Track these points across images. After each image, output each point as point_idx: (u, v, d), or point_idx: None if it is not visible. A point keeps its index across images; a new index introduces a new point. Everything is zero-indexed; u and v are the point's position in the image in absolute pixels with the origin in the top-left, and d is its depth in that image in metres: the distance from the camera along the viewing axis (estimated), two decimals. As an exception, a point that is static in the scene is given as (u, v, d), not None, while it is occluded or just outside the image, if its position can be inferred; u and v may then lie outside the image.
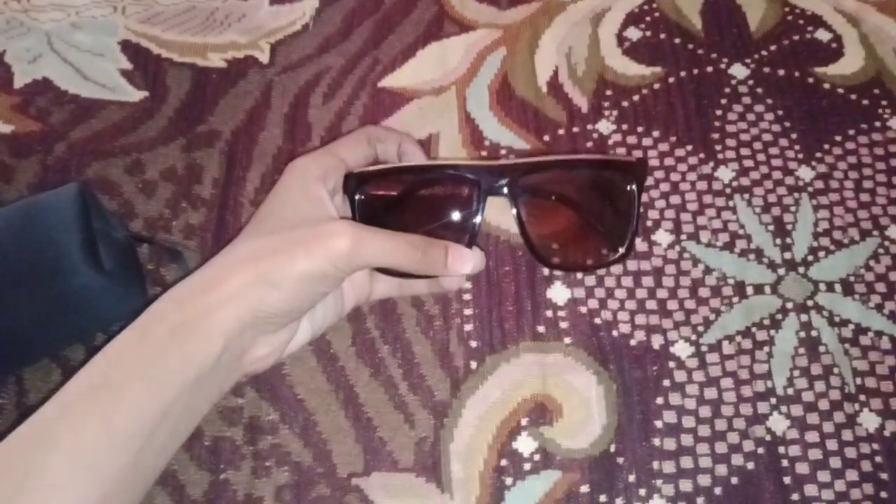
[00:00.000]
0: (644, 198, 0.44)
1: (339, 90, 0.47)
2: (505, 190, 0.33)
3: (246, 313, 0.29)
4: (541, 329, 0.41)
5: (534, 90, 0.48)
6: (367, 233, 0.30)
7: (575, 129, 0.47)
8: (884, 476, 0.36)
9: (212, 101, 0.46)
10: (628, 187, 0.34)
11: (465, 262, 0.33)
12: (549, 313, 0.41)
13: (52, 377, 0.38)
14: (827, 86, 0.48)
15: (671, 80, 0.49)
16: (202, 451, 0.37)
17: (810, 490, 0.36)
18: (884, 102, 0.48)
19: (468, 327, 0.40)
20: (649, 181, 0.45)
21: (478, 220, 0.33)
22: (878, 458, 0.37)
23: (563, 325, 0.41)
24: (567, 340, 0.40)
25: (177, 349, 0.28)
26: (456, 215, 0.34)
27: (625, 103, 0.48)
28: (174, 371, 0.28)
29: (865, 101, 0.48)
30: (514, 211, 0.33)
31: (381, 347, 0.40)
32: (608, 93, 0.48)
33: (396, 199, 0.35)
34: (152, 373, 0.28)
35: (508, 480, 0.37)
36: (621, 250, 0.35)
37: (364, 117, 0.46)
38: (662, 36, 0.50)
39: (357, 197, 0.33)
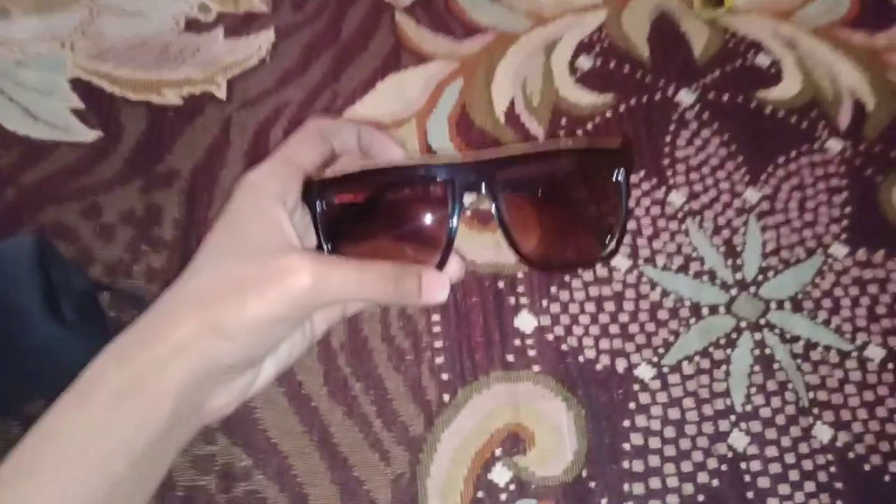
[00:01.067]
0: (603, 224, 0.46)
1: (300, 124, 0.47)
2: (482, 187, 0.29)
3: (198, 366, 0.25)
4: (510, 358, 0.41)
5: (492, 120, 0.49)
6: (330, 267, 0.26)
7: (534, 158, 0.48)
8: (838, 485, 0.38)
9: (169, 139, 0.45)
10: (616, 176, 0.30)
11: (440, 289, 0.29)
12: (518, 342, 0.42)
13: (11, 433, 0.37)
14: (769, 109, 0.51)
15: (622, 107, 0.50)
16: (175, 502, 0.36)
17: (772, 503, 0.38)
18: (821, 124, 0.50)
19: (439, 360, 0.41)
20: (607, 207, 0.46)
21: (454, 222, 0.29)
22: (832, 469, 0.39)
23: (532, 353, 0.42)
24: (536, 368, 0.41)
25: (122, 416, 0.24)
26: (430, 219, 0.30)
27: (579, 131, 0.49)
28: (122, 441, 0.24)
29: (805, 124, 0.50)
30: (493, 209, 0.29)
31: (354, 385, 0.40)
32: (563, 121, 0.49)
33: (363, 206, 0.31)
34: (95, 449, 0.24)
35: (485, 512, 0.37)
36: (612, 245, 0.31)
37: (325, 152, 0.46)
38: (612, 64, 0.52)
39: (319, 208, 0.29)
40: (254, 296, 0.25)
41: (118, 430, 0.24)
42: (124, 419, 0.24)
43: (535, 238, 0.31)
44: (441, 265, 0.29)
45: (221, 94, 0.48)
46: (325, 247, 0.29)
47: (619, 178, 0.30)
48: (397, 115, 0.48)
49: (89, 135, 0.45)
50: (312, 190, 0.29)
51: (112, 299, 0.40)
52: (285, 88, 0.48)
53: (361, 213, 0.31)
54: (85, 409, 0.24)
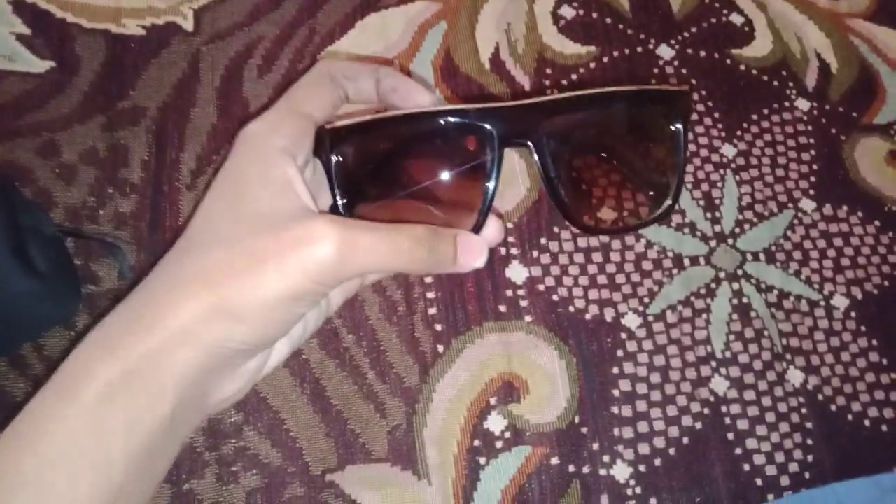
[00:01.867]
0: (588, 175, 0.46)
1: (276, 62, 0.44)
2: (527, 138, 0.25)
3: (204, 355, 0.22)
4: (502, 309, 0.41)
5: (477, 67, 0.48)
6: (358, 232, 0.23)
7: (520, 107, 0.47)
8: (809, 425, 0.41)
9: (132, 73, 0.41)
10: (673, 126, 0.28)
11: (477, 254, 0.26)
12: (510, 293, 0.42)
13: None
14: (742, 67, 0.52)
15: (605, 59, 0.50)
16: (161, 460, 0.34)
17: (751, 444, 0.40)
18: (790, 84, 0.52)
19: (432, 311, 0.40)
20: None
21: (493, 179, 0.25)
22: (803, 410, 0.41)
23: (524, 303, 0.41)
24: (528, 318, 0.41)
25: (115, 416, 0.21)
26: (465, 175, 0.26)
27: (564, 82, 0.48)
28: (115, 448, 0.21)
29: (775, 83, 0.52)
30: (538, 165, 0.26)
31: (346, 337, 0.38)
32: (548, 71, 0.49)
33: (385, 160, 0.27)
34: (83, 457, 0.20)
35: (482, 460, 0.37)
36: (668, 202, 0.29)
37: (305, 93, 0.44)
38: (594, 15, 0.51)
39: (334, 161, 0.25)
40: (273, 269, 0.22)
41: (111, 434, 0.21)
42: (117, 420, 0.21)
43: (584, 198, 0.28)
44: (478, 228, 0.26)
45: (188, 25, 0.44)
46: (340, 207, 0.25)
47: (678, 127, 0.27)
48: (379, 56, 0.46)
49: (40, 65, 0.40)
50: (325, 140, 0.25)
51: (78, 246, 0.37)
52: (258, 23, 0.45)
53: (383, 167, 0.27)
54: (70, 409, 0.21)
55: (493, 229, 0.27)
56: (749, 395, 0.41)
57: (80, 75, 0.41)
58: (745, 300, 0.44)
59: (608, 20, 0.51)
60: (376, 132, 0.26)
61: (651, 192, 0.29)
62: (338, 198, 0.25)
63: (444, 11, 0.49)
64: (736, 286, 0.44)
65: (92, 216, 0.38)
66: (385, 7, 0.48)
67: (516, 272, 0.42)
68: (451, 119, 0.25)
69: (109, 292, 0.36)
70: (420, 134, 0.26)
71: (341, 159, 0.25)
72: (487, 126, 0.25)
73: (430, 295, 0.40)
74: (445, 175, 0.26)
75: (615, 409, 0.40)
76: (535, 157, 0.26)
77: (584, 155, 0.29)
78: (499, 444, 0.38)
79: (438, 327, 0.40)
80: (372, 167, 0.27)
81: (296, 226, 0.23)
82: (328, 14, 0.47)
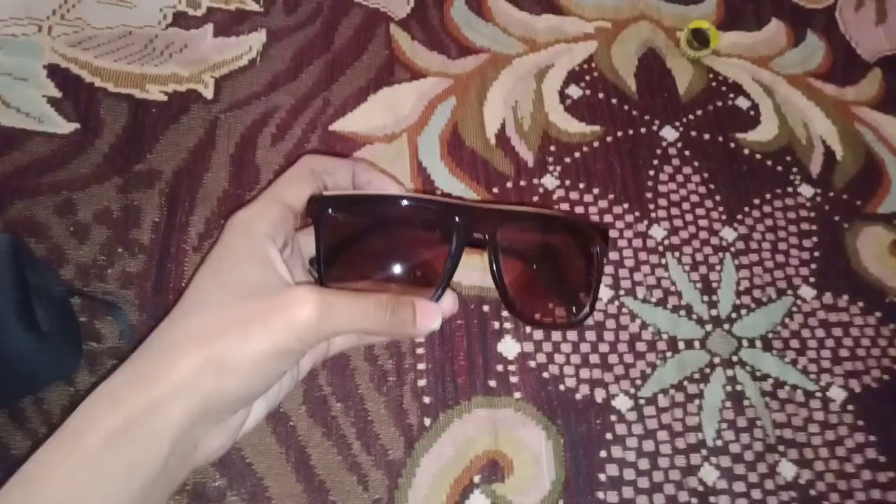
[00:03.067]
0: (587, 253, 0.46)
1: (289, 131, 0.46)
2: (483, 235, 0.30)
3: (196, 406, 0.24)
4: (492, 384, 0.41)
5: (483, 142, 0.49)
6: (332, 297, 0.26)
7: (522, 183, 0.48)
8: (799, 522, 0.40)
9: (151, 137, 0.44)
10: (594, 250, 0.34)
11: (433, 318, 0.30)
12: (500, 367, 0.42)
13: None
14: (746, 151, 0.53)
15: (609, 139, 0.51)
16: (143, 521, 0.34)
17: (738, 538, 0.39)
18: (794, 170, 0.52)
19: (422, 382, 0.41)
20: (591, 237, 0.47)
21: (454, 261, 0.29)
22: (794, 506, 0.40)
23: (514, 379, 0.42)
24: (517, 395, 0.41)
25: (116, 460, 0.23)
26: (430, 253, 0.30)
27: (567, 159, 0.50)
28: (116, 488, 0.23)
29: (779, 168, 0.52)
30: (491, 261, 0.31)
31: (334, 405, 0.39)
32: (552, 148, 0.50)
33: (364, 232, 0.32)
34: (85, 497, 0.23)
35: (462, 539, 0.37)
36: (586, 310, 0.35)
37: (314, 162, 0.45)
38: (601, 95, 0.53)
39: (322, 223, 0.29)
40: (259, 329, 0.25)
41: (111, 476, 0.23)
42: (118, 463, 0.23)
43: (522, 293, 0.33)
44: (437, 299, 0.30)
45: (208, 93, 0.46)
46: (321, 260, 0.29)
47: (598, 252, 0.33)
48: (388, 130, 0.48)
49: (66, 126, 0.43)
50: (317, 206, 0.30)
51: (84, 303, 0.38)
52: (275, 93, 0.47)
53: (361, 236, 0.32)
54: (75, 452, 0.23)
55: (448, 301, 0.31)
56: (739, 486, 0.41)
57: (101, 137, 0.43)
58: (739, 387, 0.44)
59: (614, 100, 0.53)
60: (363, 205, 0.31)
61: (577, 299, 0.35)
62: (320, 255, 0.29)
63: (454, 87, 0.51)
64: (730, 372, 0.44)
65: (100, 274, 0.39)
66: (398, 82, 0.50)
67: (508, 347, 0.42)
68: (427, 207, 0.29)
69: (110, 350, 0.38)
70: (398, 213, 0.30)
71: (328, 224, 0.29)
72: (456, 218, 0.29)
73: (421, 366, 0.41)
74: (414, 251, 0.31)
75: (601, 495, 0.39)
76: (489, 251, 0.30)
77: (527, 259, 0.34)
78: (480, 524, 0.38)
79: (427, 399, 0.40)
80: (352, 233, 0.31)
81: (280, 293, 0.26)
82: (343, 87, 0.49)
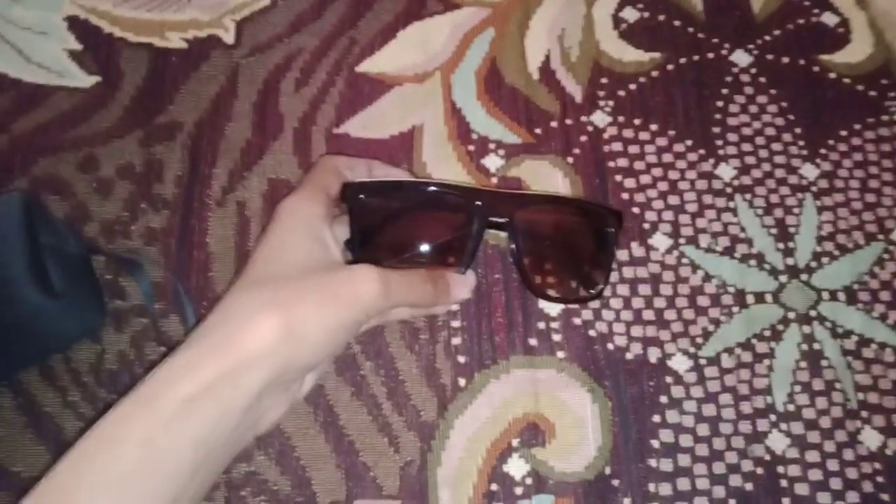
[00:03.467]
0: (641, 197, 0.42)
1: (313, 75, 0.43)
2: (503, 220, 0.33)
3: (272, 374, 0.25)
4: (532, 342, 0.38)
5: (524, 77, 0.45)
6: (392, 274, 0.29)
7: (568, 122, 0.43)
8: (885, 497, 0.35)
9: (172, 87, 0.42)
10: (608, 231, 0.36)
11: (465, 287, 0.34)
12: (542, 325, 0.39)
13: (2, 402, 0.35)
14: (833, 75, 0.46)
15: (670, 67, 0.45)
16: (170, 481, 0.34)
17: (810, 513, 0.35)
18: (892, 94, 0.45)
19: (456, 341, 0.38)
20: (647, 180, 0.42)
21: (474, 246, 0.33)
22: (879, 479, 0.36)
23: (556, 337, 0.38)
24: (560, 355, 0.38)
25: (191, 426, 0.24)
26: (454, 238, 0.33)
27: (621, 92, 0.45)
28: (186, 453, 0.24)
29: (873, 93, 0.45)
30: (512, 244, 0.34)
31: (364, 364, 0.37)
32: (603, 81, 0.45)
33: (394, 215, 0.34)
34: (157, 459, 0.23)
35: (499, 506, 0.35)
36: (600, 286, 0.36)
37: (341, 107, 0.43)
38: (661, 18, 0.47)
39: (356, 207, 0.32)
40: (332, 299, 0.27)
41: (183, 443, 0.24)
42: (192, 429, 0.24)
43: (539, 271, 0.35)
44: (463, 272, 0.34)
45: (230, 38, 0.43)
46: (356, 246, 0.32)
47: (611, 234, 0.36)
48: (420, 68, 0.44)
49: (87, 80, 0.41)
50: (352, 191, 0.33)
51: (108, 261, 0.37)
52: (298, 34, 0.44)
53: (391, 220, 0.34)
54: (150, 417, 0.23)
55: (471, 278, 0.35)
56: (812, 455, 0.36)
57: (122, 90, 0.41)
58: (816, 346, 0.39)
59: (676, 23, 0.47)
60: (394, 192, 0.34)
61: (592, 277, 0.37)
62: (354, 235, 0.32)
63: (492, 18, 0.46)
64: (807, 329, 0.39)
65: (124, 231, 0.38)
66: (429, 15, 0.46)
67: (551, 303, 0.39)
68: (451, 193, 0.33)
69: (136, 308, 0.37)
70: (425, 198, 0.34)
71: (361, 207, 0.32)
72: (477, 203, 0.32)
73: (455, 324, 0.38)
74: (439, 233, 0.34)
75: (653, 463, 0.36)
76: (509, 234, 0.33)
77: (545, 240, 0.36)
78: (518, 491, 0.35)
79: (461, 359, 0.37)
80: (383, 217, 0.34)
81: (344, 270, 0.29)
82: (369, 23, 0.45)
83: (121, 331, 0.36)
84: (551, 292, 0.36)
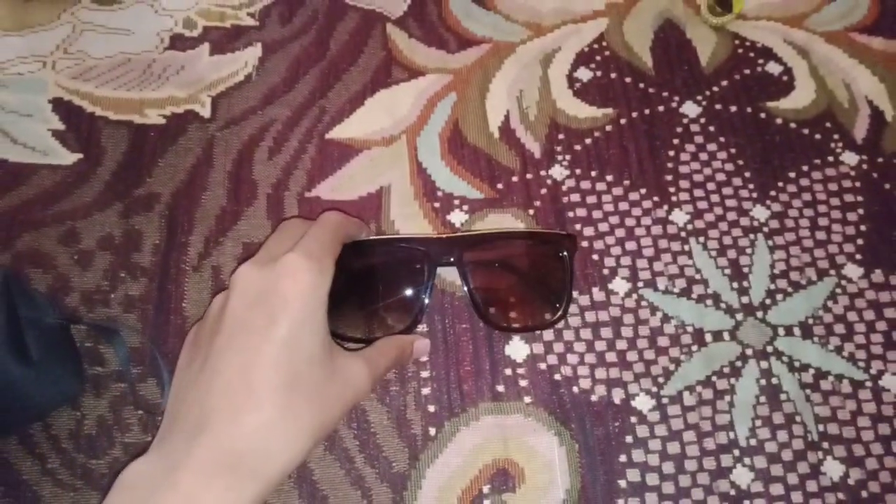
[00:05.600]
0: (600, 244, 0.44)
1: (286, 144, 0.46)
2: (452, 260, 0.37)
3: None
4: (500, 388, 0.39)
5: (486, 137, 0.47)
6: (378, 359, 0.32)
7: (529, 176, 0.46)
8: (849, 528, 0.36)
9: (150, 161, 0.44)
10: (562, 255, 0.39)
11: (425, 349, 0.39)
12: (509, 371, 0.40)
13: (-17, 469, 0.36)
14: (779, 121, 0.48)
15: (623, 121, 0.48)
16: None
17: (777, 547, 0.36)
18: (835, 136, 0.48)
19: (425, 391, 0.39)
20: (605, 227, 0.44)
21: (427, 289, 0.36)
22: (842, 510, 0.36)
23: (523, 383, 0.40)
24: (527, 400, 0.39)
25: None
26: (409, 287, 0.37)
27: (577, 147, 0.47)
28: None
29: (818, 136, 0.48)
30: (462, 281, 0.37)
31: (335, 418, 0.38)
32: (560, 136, 0.47)
33: (356, 275, 0.37)
34: None
35: (471, 554, 0.36)
36: (560, 311, 0.39)
37: (312, 172, 0.45)
38: (613, 75, 0.50)
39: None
40: (338, 405, 0.30)
41: None
42: None
43: (495, 303, 0.38)
44: (414, 325, 0.38)
45: (206, 112, 0.46)
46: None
47: (566, 256, 0.38)
48: (387, 132, 0.47)
49: (69, 157, 0.44)
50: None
51: (88, 329, 0.39)
52: (271, 106, 0.47)
53: (350, 278, 0.35)
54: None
55: (427, 340, 0.39)
56: (776, 489, 0.37)
57: (103, 165, 0.44)
58: (774, 381, 0.40)
59: (628, 79, 0.50)
60: (350, 252, 0.35)
61: (549, 302, 0.39)
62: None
63: (454, 83, 0.49)
64: (765, 364, 0.40)
65: (104, 300, 0.40)
66: (395, 83, 0.49)
67: (517, 349, 0.40)
68: (397, 245, 0.37)
69: (114, 374, 0.38)
70: (378, 255, 0.37)
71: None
72: (422, 249, 0.36)
73: (425, 374, 0.40)
74: (397, 285, 0.37)
75: (621, 502, 0.37)
76: (458, 272, 0.37)
77: (496, 272, 0.39)
78: (490, 537, 0.36)
79: (431, 408, 0.39)
80: (343, 279, 0.34)
81: (342, 370, 0.31)
82: (339, 93, 0.48)
83: (100, 396, 0.38)
84: (512, 323, 0.38)
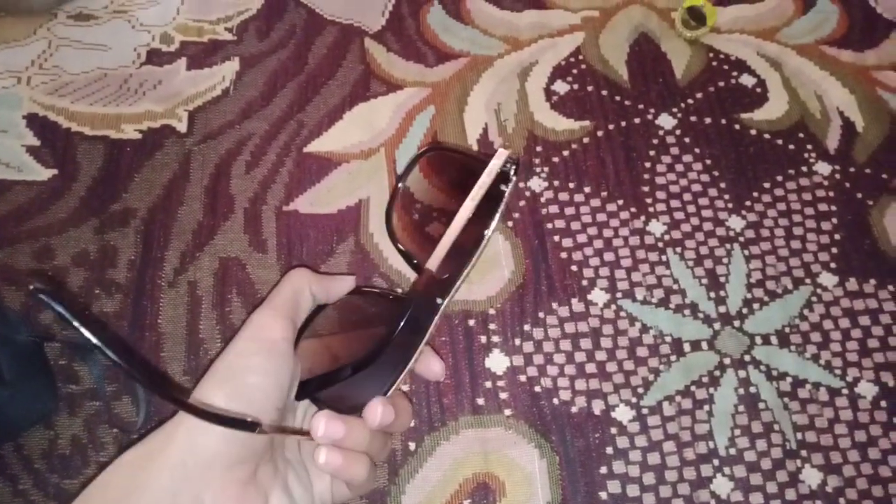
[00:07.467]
0: (579, 255, 0.44)
1: (263, 157, 0.46)
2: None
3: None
4: (480, 402, 0.39)
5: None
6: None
7: (507, 188, 0.46)
8: (828, 536, 0.36)
9: (126, 176, 0.44)
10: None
11: (441, 371, 0.35)
12: (489, 384, 0.40)
13: (-46, 492, 0.35)
14: (753, 132, 0.49)
15: (600, 133, 0.48)
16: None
17: (757, 556, 0.36)
18: (808, 147, 0.48)
19: (405, 405, 0.39)
20: (583, 238, 0.44)
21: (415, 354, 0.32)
22: (821, 518, 0.37)
23: (504, 395, 0.40)
24: (507, 412, 0.39)
25: None
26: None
27: (555, 159, 0.47)
28: None
29: (791, 146, 0.48)
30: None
31: (314, 434, 0.38)
32: (538, 149, 0.48)
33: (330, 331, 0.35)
34: None
35: (452, 569, 0.35)
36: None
37: (290, 185, 0.45)
38: (590, 88, 0.50)
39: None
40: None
41: None
42: None
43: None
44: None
45: (182, 127, 0.46)
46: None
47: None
48: (365, 146, 0.47)
49: (44, 173, 0.44)
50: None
51: (63, 349, 0.38)
52: (248, 120, 0.47)
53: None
54: None
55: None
56: (756, 498, 0.37)
57: (78, 181, 0.43)
58: (752, 389, 0.40)
59: (604, 92, 0.50)
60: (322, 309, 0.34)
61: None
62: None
63: (432, 96, 0.49)
64: (742, 374, 0.40)
65: (79, 316, 0.39)
66: (374, 96, 0.49)
67: (496, 361, 0.40)
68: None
69: (88, 392, 0.38)
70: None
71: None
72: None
73: (405, 388, 0.39)
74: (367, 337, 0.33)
75: (602, 514, 0.37)
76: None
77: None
78: (471, 552, 0.36)
79: (412, 422, 0.38)
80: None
81: None
82: (317, 106, 0.48)
83: (74, 415, 0.37)
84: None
